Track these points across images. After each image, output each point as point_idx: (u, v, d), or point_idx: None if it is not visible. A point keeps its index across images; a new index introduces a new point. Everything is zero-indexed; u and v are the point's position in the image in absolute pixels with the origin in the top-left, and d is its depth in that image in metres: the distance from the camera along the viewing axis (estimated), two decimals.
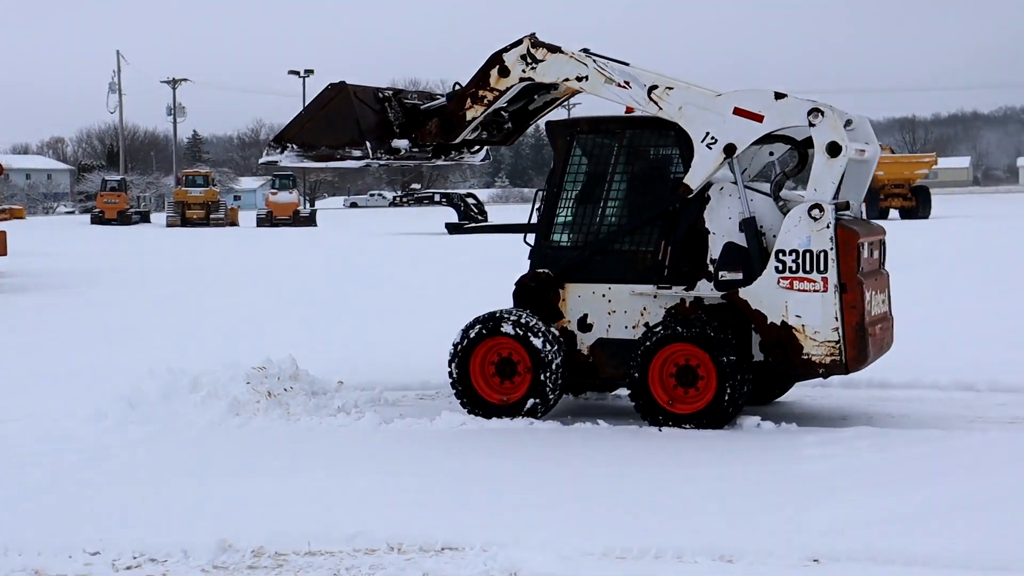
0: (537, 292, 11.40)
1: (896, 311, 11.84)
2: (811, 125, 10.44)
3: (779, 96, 10.58)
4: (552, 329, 11.22)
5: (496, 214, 66.78)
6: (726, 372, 10.51)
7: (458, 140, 11.94)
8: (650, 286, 11.03)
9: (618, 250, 11.28)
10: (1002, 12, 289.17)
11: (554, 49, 11.20)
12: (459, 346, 11.41)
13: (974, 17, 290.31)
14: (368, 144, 11.72)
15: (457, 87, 12.04)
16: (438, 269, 31.39)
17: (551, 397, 11.16)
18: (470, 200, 61.08)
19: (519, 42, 11.34)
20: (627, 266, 11.16)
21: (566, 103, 13.26)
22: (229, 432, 11.03)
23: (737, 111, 10.63)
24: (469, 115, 11.64)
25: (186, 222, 72.57)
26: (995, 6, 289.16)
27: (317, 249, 43.34)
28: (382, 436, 10.82)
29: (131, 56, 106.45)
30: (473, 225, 57.02)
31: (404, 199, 74.12)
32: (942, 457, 9.69)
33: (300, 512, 8.26)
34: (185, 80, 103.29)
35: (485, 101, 11.53)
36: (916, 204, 61.14)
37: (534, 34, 11.37)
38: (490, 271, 29.75)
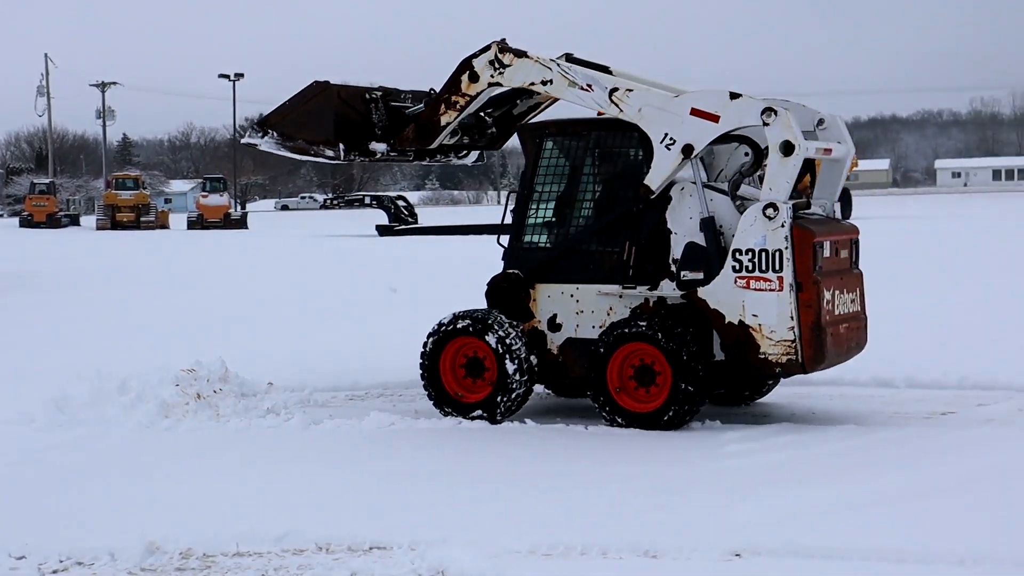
0: (509, 292, 11.52)
1: None
2: (765, 124, 10.48)
3: (734, 96, 10.64)
4: (514, 328, 11.30)
5: (427, 216, 66.75)
6: (681, 371, 10.54)
7: (434, 145, 12.06)
8: (616, 286, 11.13)
9: (586, 250, 11.40)
10: (920, 18, 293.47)
11: (520, 54, 11.35)
12: (428, 345, 11.50)
13: (893, 23, 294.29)
14: (341, 146, 11.91)
15: (432, 93, 12.23)
16: (368, 271, 31.33)
17: (516, 396, 11.26)
18: (400, 202, 61.02)
19: (487, 47, 11.50)
20: (594, 266, 11.28)
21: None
22: (157, 434, 11.02)
23: (694, 112, 10.71)
24: (443, 120, 11.79)
25: (116, 225, 71.92)
26: (913, 13, 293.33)
27: (248, 252, 43.09)
28: (311, 437, 10.86)
29: (60, 59, 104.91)
30: (404, 227, 56.97)
31: (335, 201, 73.90)
32: (861, 452, 9.89)
33: (228, 513, 8.28)
34: (115, 83, 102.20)
35: (458, 106, 11.69)
36: (842, 205, 61.76)
37: (503, 40, 11.51)
38: (420, 272, 29.83)
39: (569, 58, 11.72)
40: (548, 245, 11.62)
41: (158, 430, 11.14)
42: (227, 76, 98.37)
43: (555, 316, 11.41)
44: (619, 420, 10.81)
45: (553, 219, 11.65)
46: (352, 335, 17.71)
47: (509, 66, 11.36)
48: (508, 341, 11.18)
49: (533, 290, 11.49)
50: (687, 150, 10.71)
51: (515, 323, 11.38)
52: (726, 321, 10.66)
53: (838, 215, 11.64)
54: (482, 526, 7.81)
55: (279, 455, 10.19)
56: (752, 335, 10.58)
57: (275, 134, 12.13)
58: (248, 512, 8.29)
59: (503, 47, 11.42)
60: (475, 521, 7.95)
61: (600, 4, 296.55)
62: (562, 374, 11.51)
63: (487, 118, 12.50)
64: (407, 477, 9.30)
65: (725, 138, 10.91)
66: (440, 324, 11.52)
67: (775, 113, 10.43)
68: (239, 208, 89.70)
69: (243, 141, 12.67)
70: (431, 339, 11.50)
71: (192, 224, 72.48)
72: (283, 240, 51.87)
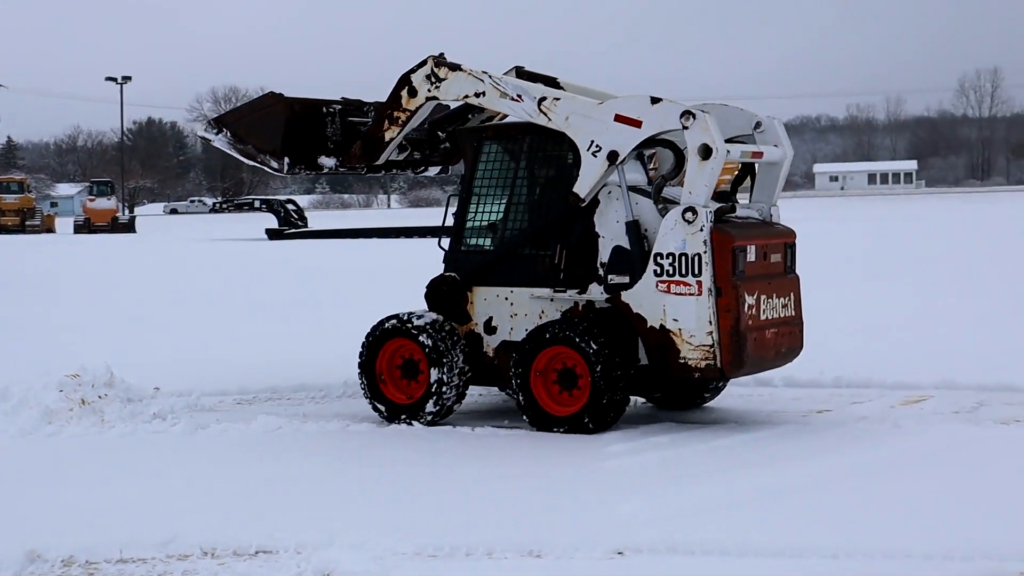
0: (447, 295, 11.58)
1: None
2: (684, 128, 10.48)
3: (655, 101, 10.66)
4: (448, 331, 11.38)
5: (317, 220, 66.37)
6: (599, 375, 10.56)
7: (381, 161, 12.17)
8: (547, 289, 11.17)
9: (520, 254, 11.46)
10: (797, 26, 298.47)
11: (454, 67, 11.47)
12: (364, 346, 11.57)
13: (771, 30, 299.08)
14: (286, 159, 12.06)
15: (371, 110, 12.42)
16: (257, 275, 31.13)
17: (447, 398, 11.34)
18: (290, 206, 60.70)
19: (424, 62, 11.61)
20: (528, 270, 11.34)
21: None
22: (40, 441, 10.89)
23: (618, 118, 10.75)
24: (387, 136, 11.90)
25: (1, 229, 70.40)
26: (792, 21, 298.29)
27: (135, 256, 42.53)
28: (198, 441, 10.82)
29: None
30: (293, 231, 56.64)
31: (224, 205, 73.23)
32: (739, 450, 10.14)
33: (112, 519, 8.21)
34: None
35: (400, 121, 11.80)
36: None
37: (442, 54, 11.60)
38: (309, 277, 29.72)
39: (519, 72, 11.85)
40: (485, 248, 11.71)
41: (41, 436, 11.01)
42: (114, 79, 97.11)
43: (491, 319, 11.49)
44: (542, 423, 10.87)
45: (490, 222, 11.74)
46: (240, 339, 17.61)
47: (445, 80, 11.49)
48: (441, 344, 11.23)
49: (471, 293, 11.56)
50: (612, 156, 10.75)
51: (451, 325, 11.45)
52: (648, 325, 10.67)
53: (776, 218, 11.63)
54: (368, 528, 7.83)
55: (165, 460, 10.13)
56: (672, 339, 10.57)
57: (228, 134, 12.28)
58: (132, 518, 8.24)
59: (439, 61, 11.53)
60: (361, 523, 7.97)
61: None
62: (497, 376, 11.53)
63: (440, 133, 12.60)
64: (294, 480, 9.30)
65: (651, 143, 10.99)
66: (377, 325, 11.59)
67: (693, 116, 10.44)
68: (127, 212, 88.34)
69: (199, 133, 12.80)
70: (367, 340, 11.57)
71: (79, 228, 71.27)
72: (171, 244, 51.27)
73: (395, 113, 11.81)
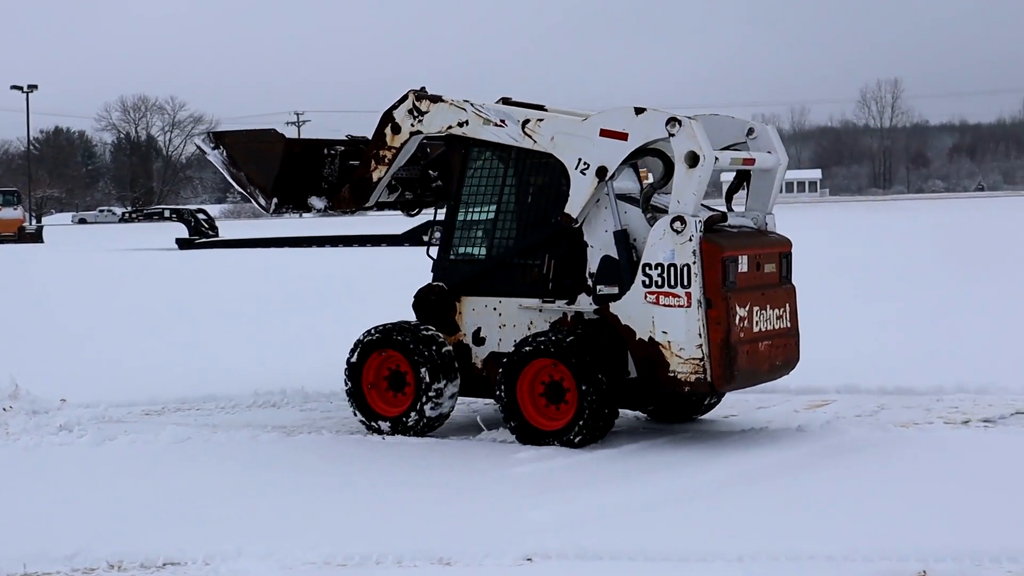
0: (435, 305, 11.43)
1: None
2: (670, 135, 10.29)
3: (639, 111, 10.48)
4: (436, 342, 11.19)
5: (227, 230, 65.84)
6: (586, 388, 10.34)
7: (371, 203, 11.96)
8: (536, 300, 11.00)
9: (508, 263, 11.27)
10: (704, 35, 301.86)
11: (435, 99, 11.36)
12: (350, 358, 11.41)
13: (678, 39, 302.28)
14: (274, 200, 11.86)
15: (348, 140, 12.37)
16: (165, 285, 30.83)
17: (434, 410, 11.16)
18: (200, 216, 60.13)
19: (404, 97, 11.51)
20: (516, 280, 11.17)
21: None
22: None
23: (603, 132, 10.57)
24: (375, 176, 11.72)
25: None
26: (700, 32, 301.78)
27: (43, 266, 41.88)
28: (105, 453, 10.70)
29: None
30: (204, 240, 56.14)
31: (134, 215, 72.40)
32: (646, 454, 10.31)
33: (16, 533, 8.11)
34: None
35: (386, 160, 11.64)
36: None
37: (422, 88, 11.49)
38: (216, 286, 29.50)
39: (505, 102, 11.62)
40: (474, 258, 11.51)
41: None
42: (20, 88, 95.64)
43: (479, 329, 11.31)
44: (529, 437, 10.62)
45: (479, 232, 11.56)
46: (149, 350, 17.45)
47: (427, 112, 11.37)
48: (427, 355, 11.07)
49: (459, 303, 11.39)
50: (601, 172, 10.59)
51: (439, 336, 11.28)
52: (637, 337, 10.43)
53: (772, 226, 11.37)
54: (277, 538, 7.81)
55: (71, 472, 10.02)
56: (662, 352, 10.31)
57: (225, 154, 12.00)
58: (37, 531, 8.14)
59: (419, 95, 11.42)
60: (270, 533, 7.96)
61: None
62: (486, 388, 11.26)
63: (432, 172, 12.42)
64: (202, 491, 9.26)
65: (640, 153, 10.70)
66: (363, 336, 11.42)
67: (679, 123, 10.25)
68: (34, 222, 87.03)
69: (196, 142, 12.57)
70: (354, 352, 11.40)
71: None
72: (80, 254, 50.56)
73: (381, 152, 11.66)
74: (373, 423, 11.33)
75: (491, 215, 11.47)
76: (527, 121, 10.98)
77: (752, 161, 11.05)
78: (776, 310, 10.91)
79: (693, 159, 10.22)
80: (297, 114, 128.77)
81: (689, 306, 10.19)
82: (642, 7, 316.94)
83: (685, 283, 10.20)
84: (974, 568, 7.11)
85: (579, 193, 10.70)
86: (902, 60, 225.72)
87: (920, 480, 9.21)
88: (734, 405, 12.50)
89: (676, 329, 10.24)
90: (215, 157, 12.08)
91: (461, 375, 11.30)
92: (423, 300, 11.51)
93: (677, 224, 10.21)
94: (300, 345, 17.51)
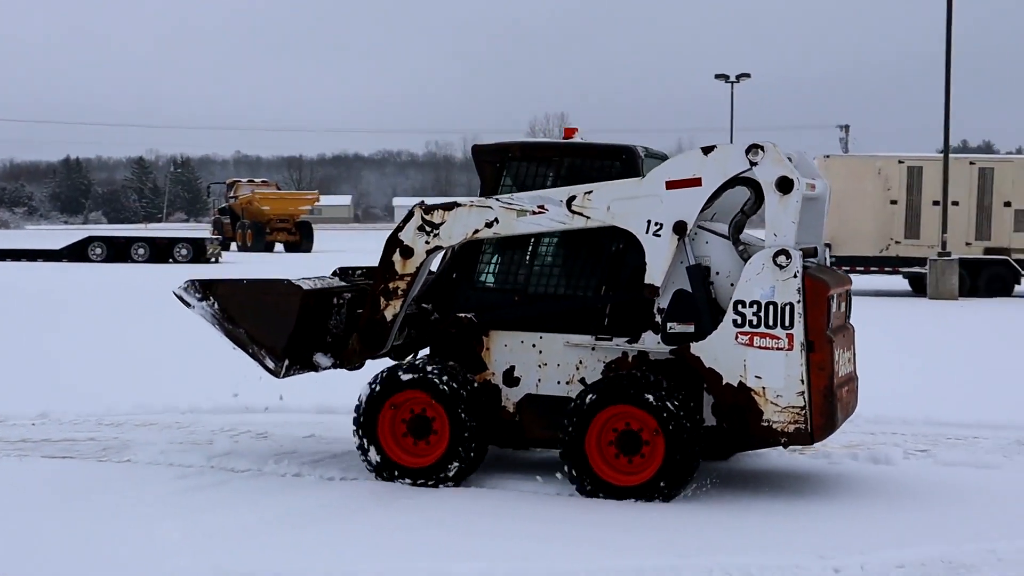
0: (457, 339, 10.14)
1: None
2: (752, 165, 9.35)
3: (707, 150, 9.49)
4: (469, 381, 9.90)
5: None
6: (676, 440, 9.23)
7: (387, 348, 10.31)
8: (587, 336, 9.81)
9: (552, 294, 10.02)
10: (381, 62, 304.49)
11: (450, 207, 10.05)
12: (363, 401, 9.99)
13: (356, 65, 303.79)
14: (285, 362, 10.24)
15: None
16: None
17: (471, 459, 9.80)
18: None
19: (409, 215, 10.16)
20: (561, 313, 10.00)
21: None
22: None
23: (670, 185, 9.49)
24: (389, 314, 10.13)
25: None
26: (376, 57, 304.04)
27: None
28: None
29: None
30: None
31: None
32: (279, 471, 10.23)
33: None
34: None
35: (399, 292, 10.10)
36: (300, 238, 63.37)
37: (423, 201, 10.25)
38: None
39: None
40: (507, 286, 10.16)
41: None
42: None
43: (512, 368, 10.00)
44: (600, 493, 9.42)
45: (514, 256, 10.21)
46: None
47: (443, 223, 10.02)
48: (462, 396, 9.75)
49: (487, 337, 10.09)
50: (680, 228, 9.46)
51: (469, 375, 10.00)
52: (723, 382, 9.33)
53: (826, 260, 10.43)
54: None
55: None
56: (754, 399, 9.28)
57: (216, 306, 10.43)
58: None
59: (427, 207, 10.12)
60: None
61: None
62: (518, 435, 10.07)
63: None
64: None
65: (721, 191, 9.62)
66: (379, 376, 9.99)
67: (761, 150, 9.33)
68: None
69: (176, 292, 10.54)
70: (367, 394, 9.97)
71: None
72: None
73: (392, 285, 10.12)
74: (386, 473, 9.96)
75: (530, 236, 10.14)
76: (572, 198, 9.72)
77: (814, 186, 10.08)
78: (848, 352, 10.08)
79: (785, 185, 9.31)
80: None
81: (791, 349, 9.22)
82: (316, 28, 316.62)
83: (787, 323, 9.22)
84: None
85: (658, 257, 9.51)
86: (567, 96, 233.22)
87: (555, 505, 9.36)
88: None
89: (774, 374, 9.25)
90: (203, 310, 10.46)
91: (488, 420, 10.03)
92: (441, 333, 10.21)
93: (782, 259, 9.22)
94: None
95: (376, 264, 10.36)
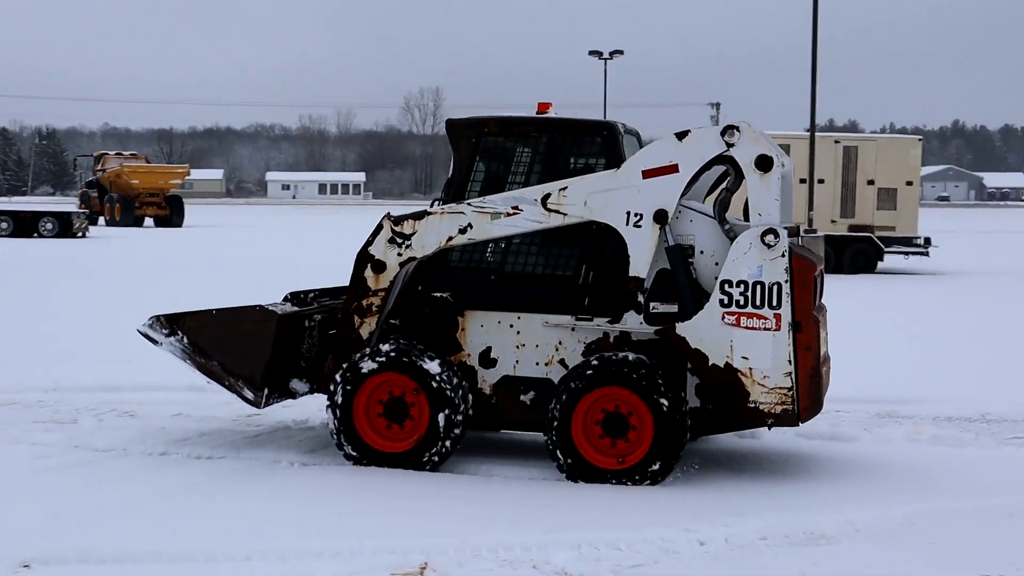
0: (431, 319, 9.87)
1: None
2: (729, 146, 9.27)
3: (681, 136, 9.38)
4: (448, 362, 9.66)
5: None
6: (665, 422, 9.14)
7: None
8: (567, 317, 9.64)
9: (529, 273, 9.83)
10: (253, 34, 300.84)
11: (420, 216, 9.78)
12: (338, 388, 9.67)
13: (227, 36, 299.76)
14: (265, 391, 9.87)
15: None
16: None
17: (451, 443, 9.57)
18: None
19: (378, 228, 9.82)
20: (538, 288, 9.77)
21: None
22: None
23: (647, 174, 9.35)
24: (365, 332, 9.88)
25: None
26: (247, 29, 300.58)
27: None
28: None
29: None
30: None
31: None
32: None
33: None
34: None
35: (374, 309, 9.84)
36: (170, 213, 62.39)
37: (388, 213, 9.92)
38: None
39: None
40: (483, 265, 9.91)
41: None
42: None
43: (489, 349, 9.80)
44: (587, 477, 9.31)
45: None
46: None
47: (414, 233, 9.75)
48: (441, 378, 9.52)
49: (462, 317, 9.84)
50: (661, 216, 9.35)
51: (447, 356, 9.77)
52: (710, 363, 9.22)
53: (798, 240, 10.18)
54: None
55: None
56: (741, 380, 9.19)
57: (186, 340, 10.09)
58: None
59: (395, 219, 9.83)
60: None
61: None
62: (496, 417, 9.88)
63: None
64: None
65: (698, 175, 9.55)
66: (354, 359, 9.67)
67: (737, 130, 9.27)
68: None
69: (140, 330, 10.21)
70: (342, 380, 9.66)
71: None
72: None
73: (365, 303, 9.86)
74: (366, 461, 9.70)
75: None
76: (547, 196, 9.56)
77: (784, 165, 9.85)
78: (824, 332, 9.88)
79: (765, 163, 9.28)
80: None
81: (778, 329, 9.13)
82: (189, 4, 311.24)
83: (774, 303, 9.13)
84: (471, 558, 7.38)
85: (640, 247, 9.41)
86: (443, 70, 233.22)
87: (425, 480, 9.36)
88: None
89: (761, 354, 9.16)
90: (172, 346, 10.11)
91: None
92: (413, 313, 9.95)
93: (770, 238, 9.13)
94: None
95: (346, 281, 10.09)
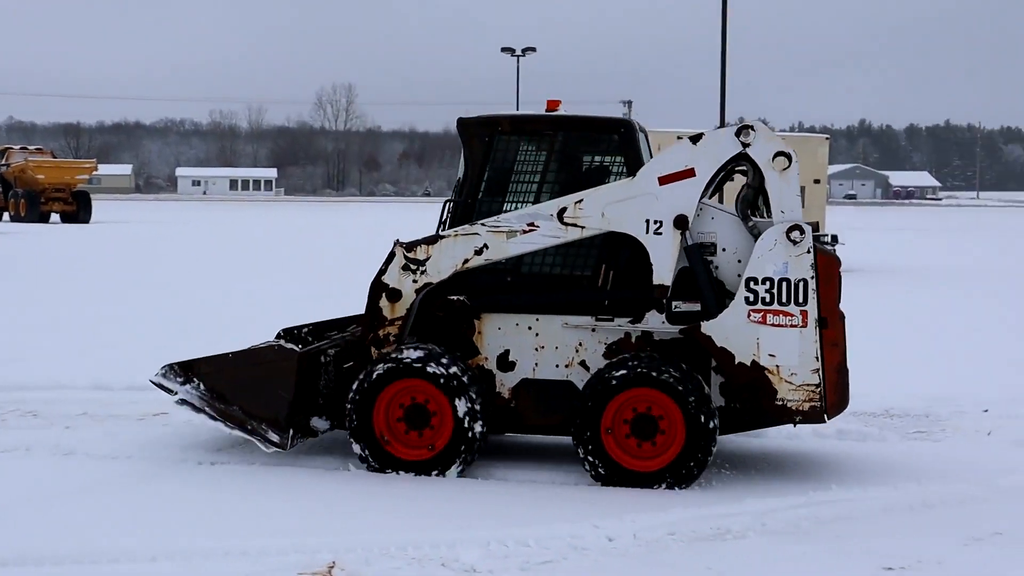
0: (446, 322, 9.69)
1: None
2: (746, 146, 9.25)
3: (696, 139, 9.33)
4: (468, 366, 9.48)
5: None
6: (697, 423, 9.06)
7: None
8: (587, 318, 9.51)
9: (547, 274, 9.68)
10: (169, 27, 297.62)
11: (432, 240, 9.61)
12: (356, 392, 9.45)
13: (139, 29, 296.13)
14: (290, 432, 9.46)
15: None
16: None
17: (475, 449, 9.39)
18: None
19: (391, 256, 9.65)
20: (558, 293, 9.63)
21: None
22: None
23: (663, 180, 9.28)
24: None
25: None
26: (161, 21, 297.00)
27: None
28: None
29: None
30: None
31: None
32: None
33: None
34: None
35: (391, 339, 9.65)
36: (77, 208, 61.49)
37: (398, 240, 9.74)
38: None
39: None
40: (499, 266, 9.68)
41: None
42: None
43: (507, 352, 9.64)
44: (619, 481, 9.16)
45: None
46: None
47: (429, 259, 9.59)
48: (463, 382, 9.31)
49: (479, 320, 9.68)
50: (681, 222, 9.29)
51: (466, 360, 9.57)
52: (736, 361, 9.13)
53: None
54: None
55: None
56: (768, 378, 9.11)
57: (202, 387, 9.74)
58: None
59: (407, 245, 9.65)
60: None
61: None
62: (515, 421, 9.69)
63: None
64: None
65: (716, 177, 9.59)
66: (376, 363, 9.46)
67: (752, 129, 9.25)
68: None
69: (153, 380, 9.91)
70: (361, 384, 9.45)
71: None
72: None
73: (382, 333, 9.68)
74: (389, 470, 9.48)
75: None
76: (562, 210, 9.44)
77: None
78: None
79: (784, 159, 9.28)
80: None
81: (805, 326, 9.10)
82: None
83: (800, 300, 9.09)
84: (380, 556, 7.35)
85: (663, 255, 9.33)
86: (356, 67, 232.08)
87: (337, 480, 9.33)
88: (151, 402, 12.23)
89: (787, 352, 9.11)
90: (189, 394, 9.76)
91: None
92: (428, 317, 9.78)
93: (795, 234, 9.11)
94: None
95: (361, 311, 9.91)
